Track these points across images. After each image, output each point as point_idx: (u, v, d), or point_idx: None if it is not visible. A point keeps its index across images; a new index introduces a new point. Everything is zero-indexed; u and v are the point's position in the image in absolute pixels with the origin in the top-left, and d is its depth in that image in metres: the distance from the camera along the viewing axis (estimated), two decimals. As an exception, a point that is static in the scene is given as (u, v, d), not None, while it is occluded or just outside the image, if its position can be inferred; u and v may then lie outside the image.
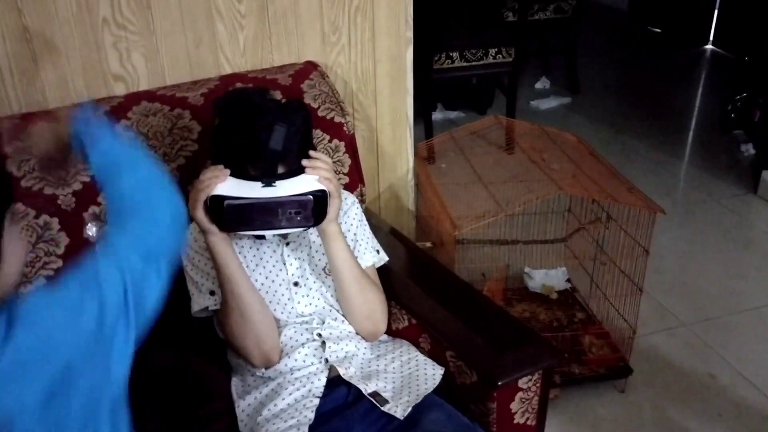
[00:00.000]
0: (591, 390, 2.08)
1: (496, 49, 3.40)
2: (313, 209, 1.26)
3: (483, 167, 2.06)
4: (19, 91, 1.61)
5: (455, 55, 3.38)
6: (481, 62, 3.44)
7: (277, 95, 1.64)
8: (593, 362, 2.08)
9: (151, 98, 1.61)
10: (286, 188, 1.24)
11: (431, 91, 3.61)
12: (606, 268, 2.13)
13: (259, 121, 1.24)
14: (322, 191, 1.26)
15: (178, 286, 1.46)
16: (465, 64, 3.42)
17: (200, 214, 1.25)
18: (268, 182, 1.23)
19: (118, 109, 1.57)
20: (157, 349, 1.44)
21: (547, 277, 2.43)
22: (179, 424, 1.32)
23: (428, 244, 2.09)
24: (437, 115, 4.01)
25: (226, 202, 1.22)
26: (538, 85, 4.54)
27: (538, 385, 1.36)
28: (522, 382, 1.34)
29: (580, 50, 4.40)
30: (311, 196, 1.25)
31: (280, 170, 1.26)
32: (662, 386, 2.13)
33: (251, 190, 1.23)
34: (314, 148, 1.35)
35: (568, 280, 2.44)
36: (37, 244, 1.41)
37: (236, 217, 1.24)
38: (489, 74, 3.64)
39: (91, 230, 1.48)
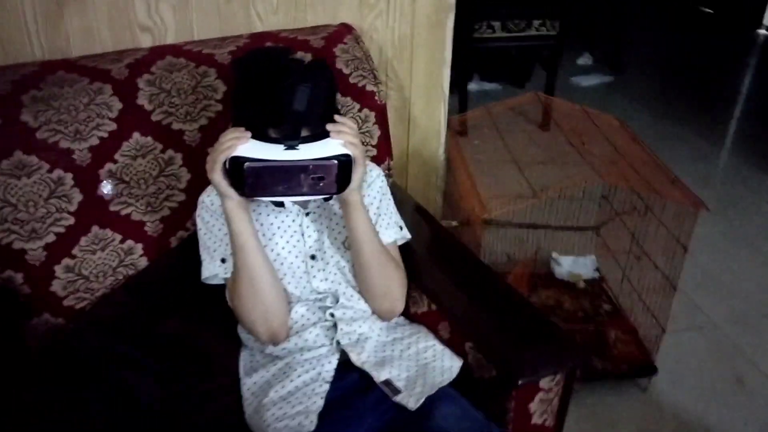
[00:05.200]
0: (612, 386, 2.01)
1: (540, 21, 3.26)
2: (337, 175, 1.19)
3: (518, 146, 1.96)
4: (43, 39, 1.55)
5: (497, 24, 3.25)
6: (524, 34, 3.31)
7: (300, 55, 1.56)
8: (617, 358, 2.00)
9: (176, 53, 1.53)
10: (309, 152, 1.17)
11: (469, 60, 3.49)
12: (639, 261, 2.04)
13: (281, 82, 1.17)
14: (347, 156, 1.18)
15: (192, 250, 1.41)
16: (506, 34, 3.29)
17: (218, 176, 1.18)
18: (291, 145, 1.16)
19: (142, 63, 1.49)
20: (164, 315, 1.41)
21: (575, 265, 2.34)
22: (181, 397, 1.28)
23: (454, 223, 2.01)
24: (472, 86, 3.89)
25: (247, 164, 1.16)
26: (580, 61, 4.39)
27: (560, 386, 1.29)
28: (543, 383, 1.27)
29: (626, 28, 4.22)
30: (335, 161, 1.18)
31: (304, 133, 1.19)
32: (687, 388, 2.05)
33: (273, 152, 1.16)
34: (339, 112, 1.27)
35: (597, 270, 2.35)
36: (49, 200, 1.36)
37: (256, 181, 1.18)
38: (530, 47, 3.50)
39: (105, 188, 1.43)
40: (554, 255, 2.38)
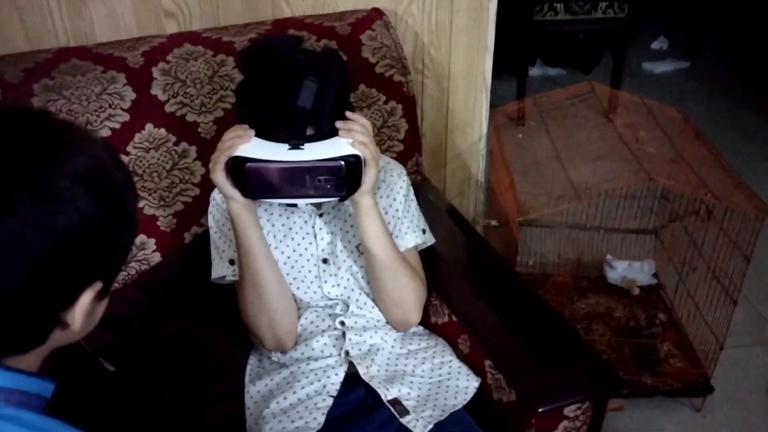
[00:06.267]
0: (662, 405, 1.84)
1: (607, 3, 3.04)
2: (345, 177, 1.10)
3: (565, 142, 1.81)
4: (67, 23, 1.51)
5: (559, 6, 3.05)
6: (589, 16, 3.09)
7: (323, 44, 1.46)
8: (669, 375, 1.84)
9: (194, 40, 1.47)
10: (315, 152, 1.09)
11: (529, 44, 3.30)
12: (696, 270, 1.86)
13: (286, 76, 1.08)
14: (356, 157, 1.09)
15: (206, 247, 1.35)
16: (570, 17, 3.08)
17: (221, 177, 1.11)
18: (296, 144, 1.08)
19: (159, 50, 1.44)
20: (173, 315, 1.35)
21: (630, 270, 2.17)
22: (182, 403, 1.22)
23: (494, 223, 1.88)
24: (535, 71, 3.70)
25: (248, 164, 1.09)
26: (655, 45, 4.10)
27: (587, 414, 1.16)
28: (568, 410, 1.14)
29: (707, 9, 3.91)
30: (343, 162, 1.09)
31: (310, 132, 1.10)
32: (747, 411, 1.86)
33: (276, 152, 1.09)
34: (351, 108, 1.17)
35: (655, 275, 2.17)
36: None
37: (259, 183, 1.11)
38: (597, 31, 3.28)
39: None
40: (609, 258, 2.22)
